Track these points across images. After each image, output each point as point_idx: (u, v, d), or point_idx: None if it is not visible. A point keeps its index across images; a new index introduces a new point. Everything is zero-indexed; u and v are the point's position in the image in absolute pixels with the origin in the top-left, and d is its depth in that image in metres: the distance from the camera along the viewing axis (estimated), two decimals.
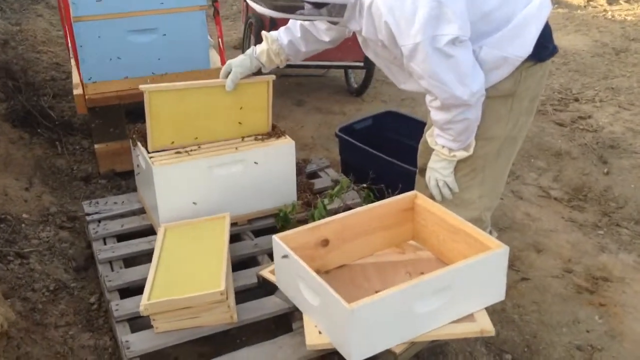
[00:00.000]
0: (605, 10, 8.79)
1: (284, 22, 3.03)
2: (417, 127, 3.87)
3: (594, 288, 3.48)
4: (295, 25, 3.08)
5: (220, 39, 4.33)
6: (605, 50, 7.18)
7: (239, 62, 3.19)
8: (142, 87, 3.09)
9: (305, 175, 3.84)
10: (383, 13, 2.37)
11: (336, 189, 3.30)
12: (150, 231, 3.33)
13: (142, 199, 3.56)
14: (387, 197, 2.85)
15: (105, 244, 3.25)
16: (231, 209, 3.26)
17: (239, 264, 3.12)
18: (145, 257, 3.14)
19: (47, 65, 5.92)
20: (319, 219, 3.13)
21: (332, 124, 5.40)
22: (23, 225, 3.46)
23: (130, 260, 3.16)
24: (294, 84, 6.24)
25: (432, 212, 2.75)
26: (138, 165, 3.43)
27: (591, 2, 9.21)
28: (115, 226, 3.36)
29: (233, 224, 3.24)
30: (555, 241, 3.89)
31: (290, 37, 3.09)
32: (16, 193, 3.71)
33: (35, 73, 5.51)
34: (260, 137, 3.36)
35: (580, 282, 3.52)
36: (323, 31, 3.04)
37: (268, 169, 3.30)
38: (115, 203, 3.58)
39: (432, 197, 2.88)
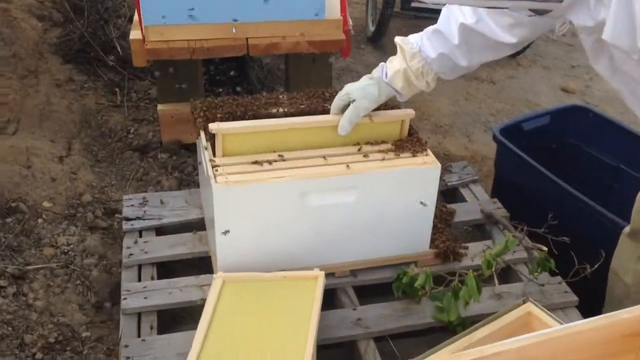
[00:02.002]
0: None
1: None
2: (624, 140, 2.55)
3: None
4: (449, 25, 1.94)
5: None
6: None
7: (362, 91, 2.07)
8: (212, 127, 2.04)
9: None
10: None
11: (496, 248, 2.05)
12: (207, 264, 2.26)
13: (203, 209, 2.47)
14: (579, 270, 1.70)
15: (139, 278, 2.20)
16: (327, 255, 2.12)
17: (328, 347, 2.01)
18: (193, 311, 2.09)
19: None
20: (466, 302, 1.95)
21: (476, 98, 4.05)
22: (40, 220, 2.48)
23: (170, 314, 2.11)
24: (414, 27, 4.84)
25: None
26: (200, 163, 2.31)
27: None
28: (160, 247, 2.30)
29: (328, 275, 2.11)
30: None
31: (441, 48, 1.97)
32: (44, 165, 2.72)
33: None
34: (386, 147, 2.14)
35: None
36: (505, 28, 1.83)
37: (394, 201, 2.10)
38: (168, 205, 2.51)
39: None
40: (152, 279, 2.20)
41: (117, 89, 3.45)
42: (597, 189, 2.68)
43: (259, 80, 3.80)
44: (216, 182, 1.96)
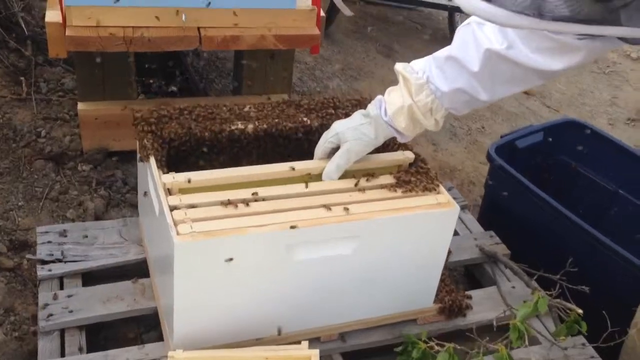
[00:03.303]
0: None
1: None
2: (623, 161, 2.27)
3: None
4: (467, 50, 1.51)
5: None
6: None
7: (354, 132, 1.66)
8: (166, 180, 1.58)
9: None
10: None
11: (522, 311, 1.67)
12: (155, 321, 1.75)
13: (145, 247, 1.94)
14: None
15: (62, 351, 1.66)
16: (312, 318, 1.68)
17: None
18: None
19: None
20: None
21: None
22: None
23: None
24: (373, 17, 4.43)
25: None
26: (146, 193, 1.78)
27: None
28: (89, 304, 1.76)
29: (312, 340, 1.66)
30: None
31: (457, 79, 1.54)
32: None
33: None
34: (388, 181, 1.70)
35: None
36: (545, 53, 1.44)
37: (400, 251, 1.67)
38: (97, 240, 1.96)
39: None
40: (81, 350, 1.67)
41: (22, 78, 2.79)
42: (592, 211, 2.40)
43: (196, 71, 3.24)
44: (178, 233, 1.44)
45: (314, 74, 3.57)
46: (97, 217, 2.27)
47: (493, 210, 2.38)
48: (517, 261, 2.12)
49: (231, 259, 1.49)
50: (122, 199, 2.38)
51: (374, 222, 1.59)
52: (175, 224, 1.47)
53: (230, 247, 1.48)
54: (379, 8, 4.55)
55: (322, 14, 2.35)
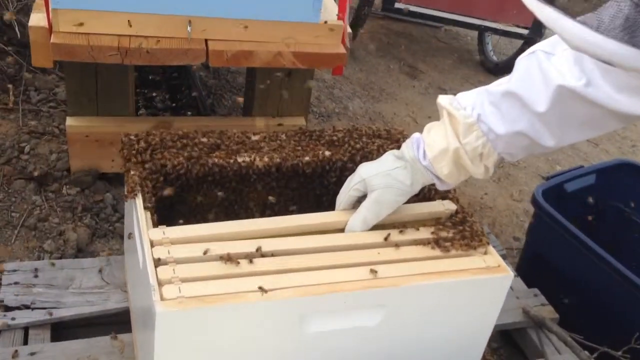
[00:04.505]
0: None
1: None
2: None
3: None
4: (532, 86, 1.22)
5: None
6: None
7: (386, 178, 1.37)
8: (154, 237, 1.29)
9: None
10: None
11: None
12: None
13: (129, 294, 1.65)
14: None
15: None
16: None
17: None
18: None
19: None
20: None
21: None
22: None
23: None
24: (397, 34, 4.14)
25: None
26: (130, 235, 1.48)
27: None
28: None
29: None
30: None
31: (516, 120, 1.25)
32: None
33: None
34: (425, 236, 1.39)
35: None
36: (638, 92, 1.11)
37: (436, 323, 1.37)
38: (74, 282, 1.67)
39: None
40: None
41: (9, 85, 2.51)
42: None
43: (203, 84, 2.96)
44: (162, 298, 1.14)
45: (332, 93, 3.27)
46: (80, 250, 1.97)
47: (536, 263, 2.07)
48: (564, 326, 1.81)
49: (229, 332, 1.19)
50: (111, 229, 2.08)
51: (407, 289, 1.28)
52: (160, 284, 1.17)
53: (228, 318, 1.18)
54: (405, 25, 4.26)
55: (349, 29, 2.06)
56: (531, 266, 2.09)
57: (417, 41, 4.14)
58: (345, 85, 3.39)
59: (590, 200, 2.17)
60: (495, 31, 3.66)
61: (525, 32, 3.58)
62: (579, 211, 2.14)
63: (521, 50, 3.75)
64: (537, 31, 3.54)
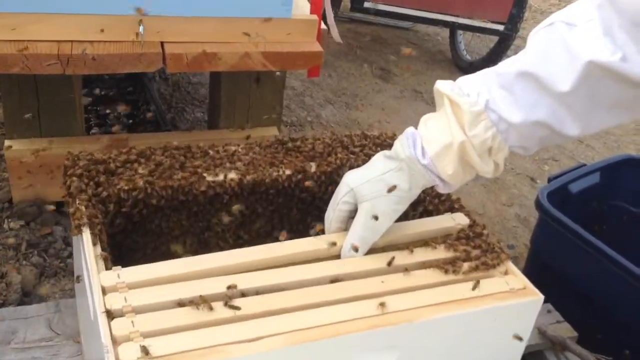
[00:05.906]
0: None
1: None
2: None
3: None
4: (552, 62, 1.01)
5: None
6: None
7: (378, 185, 1.14)
8: (108, 292, 1.05)
9: None
10: None
11: None
12: None
13: (82, 347, 1.38)
14: None
15: None
16: None
17: None
18: None
19: None
20: None
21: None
22: None
23: None
24: (367, 36, 3.96)
25: None
26: (78, 278, 1.22)
27: None
28: None
29: None
30: None
31: (536, 111, 1.04)
32: None
33: None
34: (435, 255, 1.17)
35: None
36: None
37: (456, 358, 1.14)
38: (17, 334, 1.40)
39: None
40: None
41: None
42: None
43: (162, 98, 2.70)
44: None
45: (303, 101, 3.05)
46: (25, 294, 1.70)
47: (543, 274, 1.86)
48: (579, 341, 1.61)
49: None
50: (62, 266, 1.81)
51: (422, 324, 1.05)
52: (115, 343, 0.92)
53: None
54: (373, 27, 4.08)
55: (323, 25, 1.84)
56: (539, 277, 1.88)
57: (387, 44, 3.95)
58: (316, 92, 3.17)
59: (595, 203, 2.00)
60: (469, 28, 3.49)
61: (500, 27, 3.42)
62: (585, 213, 1.95)
63: (497, 46, 3.59)
64: (512, 27, 3.39)
